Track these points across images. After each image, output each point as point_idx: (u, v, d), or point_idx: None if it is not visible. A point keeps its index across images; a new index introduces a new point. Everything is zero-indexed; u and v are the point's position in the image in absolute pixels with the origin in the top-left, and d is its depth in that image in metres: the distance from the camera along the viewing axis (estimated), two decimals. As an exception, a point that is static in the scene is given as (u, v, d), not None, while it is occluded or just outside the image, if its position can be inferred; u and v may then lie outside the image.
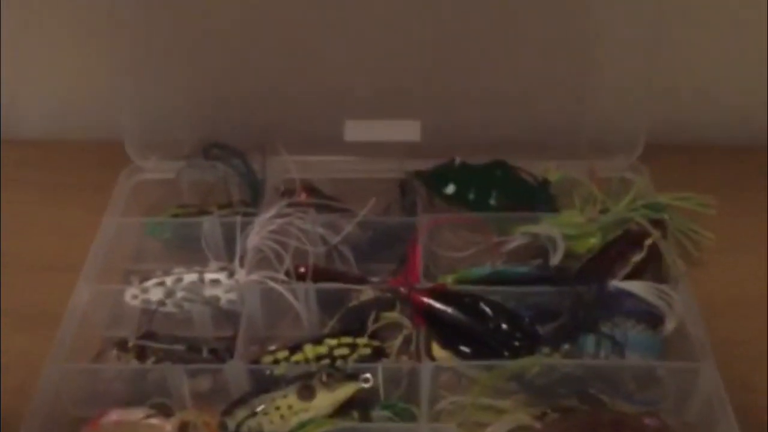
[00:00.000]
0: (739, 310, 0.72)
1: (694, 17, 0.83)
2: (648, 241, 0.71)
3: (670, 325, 0.67)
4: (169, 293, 0.70)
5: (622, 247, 0.72)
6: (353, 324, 0.68)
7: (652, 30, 0.76)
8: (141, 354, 0.66)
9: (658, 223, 0.72)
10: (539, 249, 0.74)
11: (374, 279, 0.73)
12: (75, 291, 0.69)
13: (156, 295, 0.70)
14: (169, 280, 0.71)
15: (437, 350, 0.65)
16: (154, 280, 0.71)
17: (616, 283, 0.68)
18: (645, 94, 0.79)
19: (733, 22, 0.84)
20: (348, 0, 0.77)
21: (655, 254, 0.71)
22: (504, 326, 0.64)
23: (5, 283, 0.74)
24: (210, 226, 0.74)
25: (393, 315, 0.68)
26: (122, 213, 0.78)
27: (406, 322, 0.67)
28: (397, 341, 0.67)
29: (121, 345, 0.67)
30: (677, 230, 0.75)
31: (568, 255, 0.73)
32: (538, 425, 0.60)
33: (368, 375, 0.63)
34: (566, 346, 0.65)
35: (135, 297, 0.71)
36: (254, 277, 0.69)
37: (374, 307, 0.69)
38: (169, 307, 0.70)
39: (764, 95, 0.87)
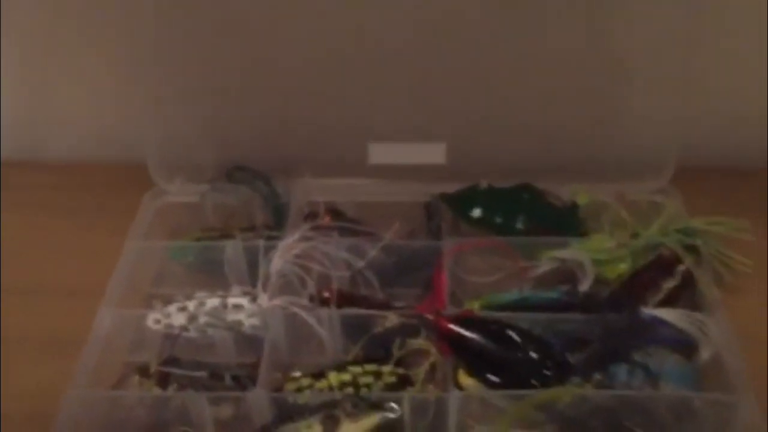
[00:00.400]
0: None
1: (724, 41, 0.81)
2: (681, 268, 0.70)
3: (705, 355, 0.65)
4: (192, 318, 0.69)
5: (654, 273, 0.70)
6: (378, 351, 0.67)
7: (683, 52, 0.75)
8: (163, 380, 0.65)
9: (691, 249, 0.71)
10: (568, 274, 0.72)
11: (399, 304, 0.71)
12: (97, 316, 0.69)
13: (178, 319, 0.69)
14: (191, 305, 0.70)
15: (464, 379, 0.64)
16: (176, 305, 0.71)
17: (648, 311, 0.66)
18: (676, 116, 0.78)
19: (763, 47, 0.82)
20: (372, 23, 0.77)
21: (688, 281, 0.70)
22: (533, 354, 0.62)
23: (28, 309, 0.74)
24: (233, 250, 0.74)
25: (419, 342, 0.67)
26: (145, 236, 0.77)
27: (433, 349, 0.66)
28: (423, 369, 0.65)
29: (143, 371, 0.66)
30: (711, 256, 0.73)
31: (598, 281, 0.72)
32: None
33: (394, 404, 0.61)
34: (598, 376, 0.63)
35: (157, 322, 0.70)
36: (277, 302, 0.68)
37: (399, 334, 0.67)
38: (192, 332, 0.69)
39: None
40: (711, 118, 0.85)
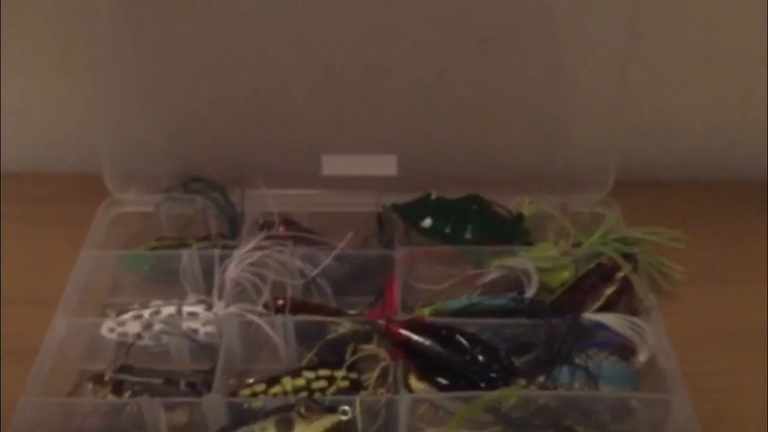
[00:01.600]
0: (710, 341, 0.74)
1: (662, 57, 0.86)
2: (619, 275, 0.73)
3: (642, 357, 0.68)
4: (147, 326, 0.70)
5: (595, 280, 0.73)
6: (331, 356, 0.69)
7: (621, 69, 0.78)
8: (117, 388, 0.66)
9: (629, 257, 0.74)
10: (514, 282, 0.75)
11: (352, 312, 0.73)
12: (51, 324, 0.69)
13: (133, 328, 0.70)
14: (146, 313, 0.71)
15: (415, 382, 0.66)
16: (131, 313, 0.71)
17: (588, 316, 0.69)
18: (615, 130, 0.81)
19: (699, 61, 0.87)
20: (324, 35, 0.79)
21: (626, 287, 0.73)
22: (481, 358, 0.65)
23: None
24: (188, 258, 0.75)
25: (371, 347, 0.69)
26: (100, 246, 0.78)
27: (384, 354, 0.68)
28: (375, 374, 0.67)
29: (97, 379, 0.66)
30: (648, 264, 0.76)
31: (543, 287, 0.75)
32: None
33: (346, 407, 0.63)
34: (541, 378, 0.66)
35: (112, 330, 0.71)
36: (232, 309, 0.70)
37: (352, 340, 0.69)
38: (147, 341, 0.70)
39: (729, 131, 0.90)
40: (648, 132, 0.89)
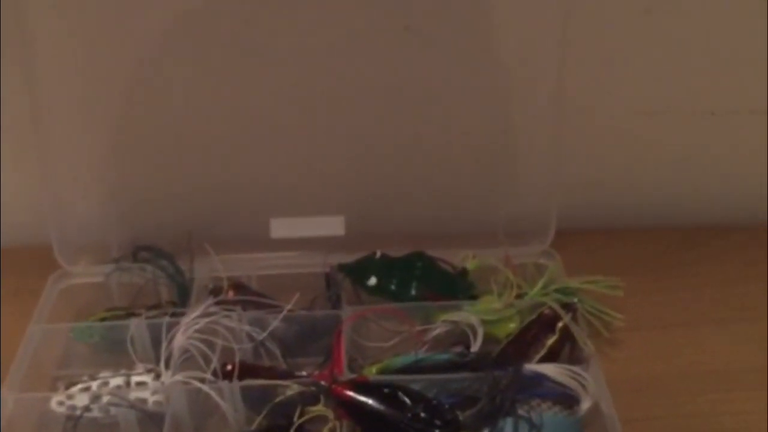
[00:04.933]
0: (652, 387, 0.75)
1: (594, 109, 0.89)
2: (560, 324, 0.74)
3: (584, 406, 0.69)
4: (95, 398, 0.70)
5: (537, 330, 0.75)
6: (280, 419, 0.69)
7: (555, 124, 0.81)
8: (65, 463, 0.66)
9: (568, 307, 0.76)
10: (461, 335, 0.76)
11: (302, 373, 0.74)
12: (-2, 400, 0.69)
13: (82, 400, 0.70)
14: (94, 385, 0.71)
15: (361, 442, 0.67)
16: (80, 386, 0.72)
17: (530, 367, 0.71)
18: (553, 184, 0.84)
19: (631, 113, 0.90)
20: (268, 102, 0.81)
21: (568, 336, 0.74)
22: (423, 414, 0.66)
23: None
24: (137, 328, 0.75)
25: (318, 408, 0.69)
26: (49, 319, 0.78)
27: (331, 414, 0.68)
28: (323, 434, 0.68)
29: (46, 454, 0.66)
30: (587, 312, 0.78)
31: (490, 340, 0.76)
32: None
33: (293, 471, 0.63)
34: (486, 431, 0.67)
35: (61, 404, 0.71)
36: (178, 377, 0.70)
37: (300, 402, 0.70)
38: (96, 412, 0.70)
39: (665, 178, 0.94)
40: (587, 184, 0.92)
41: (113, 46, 0.78)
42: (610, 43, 0.86)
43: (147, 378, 0.72)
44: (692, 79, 0.88)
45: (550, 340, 0.74)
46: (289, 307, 0.76)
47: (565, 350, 0.75)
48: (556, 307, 0.75)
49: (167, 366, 0.72)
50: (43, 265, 0.83)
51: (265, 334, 0.75)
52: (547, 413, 0.68)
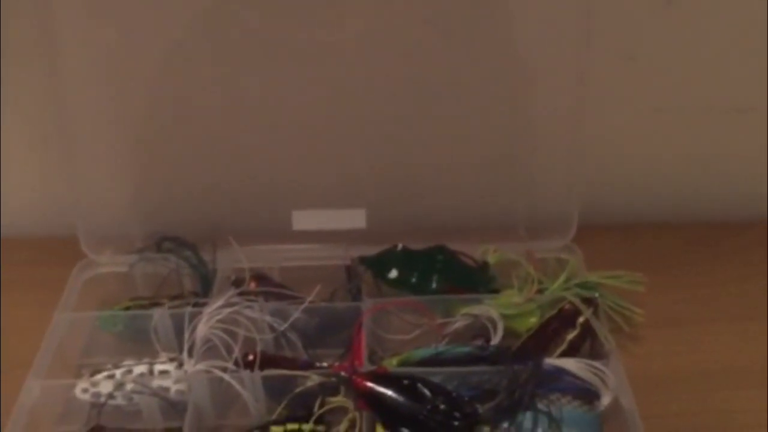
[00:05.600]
0: (673, 382, 0.75)
1: (615, 106, 0.89)
2: (581, 319, 0.75)
3: (605, 401, 0.69)
4: (119, 386, 0.71)
5: (557, 325, 0.75)
6: (300, 409, 0.70)
7: (578, 117, 0.81)
8: (90, 449, 0.67)
9: (589, 301, 0.76)
10: (482, 329, 0.77)
11: (322, 364, 0.75)
12: (24, 387, 0.70)
13: (106, 388, 0.71)
14: (118, 373, 0.73)
15: (381, 433, 0.67)
16: (104, 373, 0.73)
17: (550, 361, 0.71)
18: (575, 178, 0.83)
19: (651, 110, 0.90)
20: (292, 93, 0.81)
21: (588, 331, 0.74)
22: (442, 406, 0.66)
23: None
24: (160, 317, 0.76)
25: (338, 399, 0.70)
26: (75, 307, 0.79)
27: (351, 405, 0.69)
28: (342, 426, 0.68)
29: (70, 440, 0.68)
30: (608, 307, 0.78)
31: (510, 334, 0.77)
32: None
33: (313, 460, 0.64)
34: (505, 425, 0.67)
35: (85, 391, 0.72)
36: (201, 366, 0.71)
37: (320, 393, 0.70)
38: (119, 400, 0.71)
39: (686, 174, 0.93)
40: (608, 178, 0.92)
41: (140, 44, 0.79)
42: (631, 38, 0.85)
43: (170, 366, 0.73)
44: (715, 76, 0.87)
45: (571, 335, 0.74)
46: (310, 298, 0.76)
47: (586, 345, 0.75)
48: (577, 301, 0.75)
49: (190, 355, 0.73)
50: (69, 255, 0.84)
51: (286, 325, 0.75)
52: (567, 408, 0.68)
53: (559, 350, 0.74)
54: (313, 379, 0.71)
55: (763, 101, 0.88)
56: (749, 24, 0.85)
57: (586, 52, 0.78)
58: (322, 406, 0.69)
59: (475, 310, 0.77)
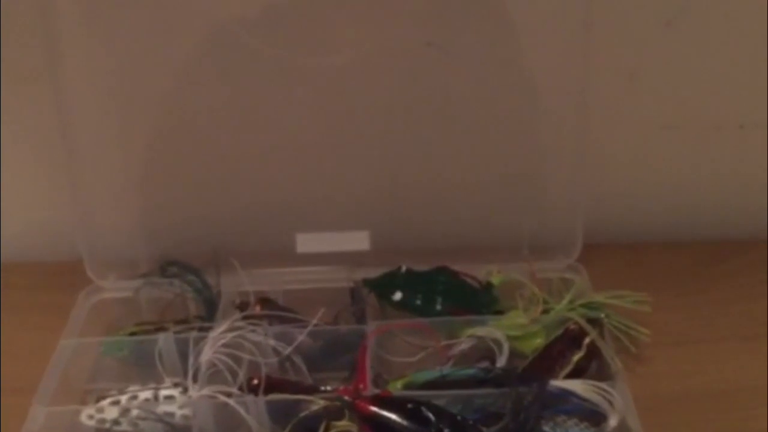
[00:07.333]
0: (681, 403, 0.74)
1: (621, 123, 0.89)
2: (586, 340, 0.74)
3: (611, 423, 0.69)
4: (124, 412, 0.71)
5: (563, 346, 0.75)
6: (305, 434, 0.70)
7: (581, 136, 0.81)
8: (95, 475, 0.67)
9: (594, 322, 0.75)
10: (486, 351, 0.76)
11: (327, 388, 0.74)
12: (29, 414, 0.70)
13: (111, 414, 0.71)
14: (124, 399, 0.73)
15: (385, 457, 0.67)
16: (109, 399, 0.73)
17: (555, 383, 0.70)
18: (580, 197, 0.84)
19: (658, 127, 0.90)
20: (293, 118, 0.82)
21: (593, 352, 0.74)
22: (446, 430, 0.66)
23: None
24: (165, 342, 0.76)
25: (343, 424, 0.69)
26: (80, 333, 0.79)
27: (355, 429, 0.69)
28: (347, 450, 0.68)
29: (75, 467, 0.67)
30: (614, 327, 0.77)
31: (517, 355, 0.76)
32: None
33: (317, 486, 0.64)
34: (511, 448, 0.67)
35: (91, 417, 0.72)
36: (206, 391, 0.71)
37: (325, 417, 0.70)
38: (124, 426, 0.71)
39: (693, 192, 0.93)
40: (613, 197, 0.92)
41: (145, 66, 0.80)
42: (632, 56, 0.85)
43: (175, 392, 0.73)
44: (717, 92, 0.87)
45: (577, 356, 0.74)
46: (314, 321, 0.76)
47: (592, 366, 0.74)
48: (583, 322, 0.75)
49: (194, 380, 0.72)
50: (71, 280, 0.84)
51: (290, 349, 0.75)
52: (573, 429, 0.68)
53: (565, 371, 0.73)
54: (317, 403, 0.71)
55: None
56: (750, 42, 0.85)
57: (588, 71, 0.78)
58: (326, 430, 0.69)
59: (480, 331, 0.77)
